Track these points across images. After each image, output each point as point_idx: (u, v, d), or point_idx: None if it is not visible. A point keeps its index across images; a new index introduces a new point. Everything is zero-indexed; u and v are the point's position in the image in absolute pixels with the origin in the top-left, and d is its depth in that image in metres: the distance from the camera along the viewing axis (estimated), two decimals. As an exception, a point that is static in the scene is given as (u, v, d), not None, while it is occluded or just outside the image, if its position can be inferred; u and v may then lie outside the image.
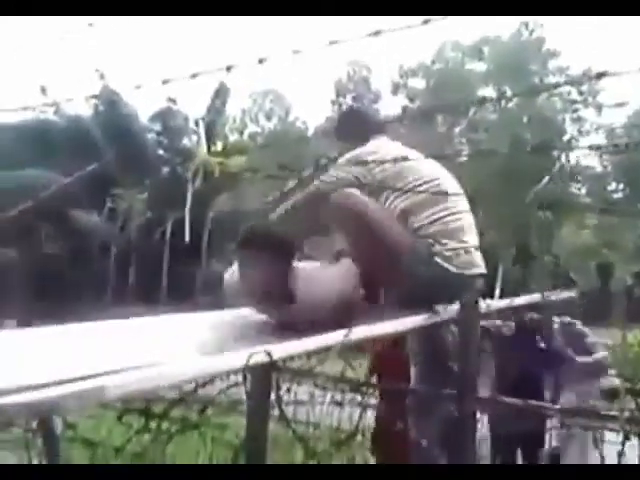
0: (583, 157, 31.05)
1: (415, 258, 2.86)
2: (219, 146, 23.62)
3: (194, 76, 1.74)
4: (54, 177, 18.38)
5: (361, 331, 2.36)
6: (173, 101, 27.18)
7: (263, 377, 3.31)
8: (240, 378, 3.47)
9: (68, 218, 21.49)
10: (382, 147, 3.18)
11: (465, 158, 25.80)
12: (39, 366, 1.74)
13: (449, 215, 3.00)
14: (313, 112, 35.04)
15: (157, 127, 27.78)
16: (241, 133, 32.48)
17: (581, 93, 29.40)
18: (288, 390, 3.62)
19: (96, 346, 2.18)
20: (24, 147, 23.86)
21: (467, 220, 3.07)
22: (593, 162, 32.12)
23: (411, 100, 31.25)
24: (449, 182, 3.10)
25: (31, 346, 2.18)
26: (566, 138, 29.27)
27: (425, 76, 31.53)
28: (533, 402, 2.96)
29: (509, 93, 29.20)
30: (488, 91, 29.71)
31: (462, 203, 3.09)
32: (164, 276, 22.39)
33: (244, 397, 3.54)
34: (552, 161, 27.50)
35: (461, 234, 2.98)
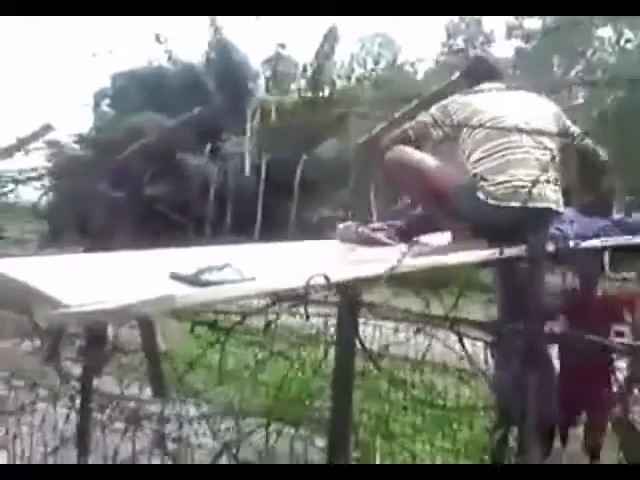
0: None
1: (459, 197, 2.99)
2: (327, 91, 23.65)
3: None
4: (165, 121, 19.07)
5: (427, 260, 2.51)
6: (282, 46, 27.32)
7: (348, 310, 3.49)
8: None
9: (175, 160, 22.20)
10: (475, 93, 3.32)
11: (581, 100, 24.87)
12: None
13: (502, 150, 3.07)
14: (422, 55, 34.33)
15: (267, 73, 28.04)
16: (348, 78, 32.28)
17: None
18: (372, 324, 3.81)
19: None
20: (140, 92, 24.70)
21: (526, 155, 3.09)
22: None
23: (526, 42, 30.14)
24: (518, 119, 3.16)
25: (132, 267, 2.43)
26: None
27: (542, 15, 30.30)
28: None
29: (628, 34, 27.73)
30: (606, 31, 28.30)
31: (527, 139, 3.12)
32: (259, 214, 22.52)
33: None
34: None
35: (512, 168, 3.03)
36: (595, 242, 3.55)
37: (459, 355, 3.58)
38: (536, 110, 3.38)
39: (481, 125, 3.15)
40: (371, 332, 3.94)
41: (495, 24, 32.58)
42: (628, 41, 28.31)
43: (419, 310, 3.60)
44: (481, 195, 3.00)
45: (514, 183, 3.00)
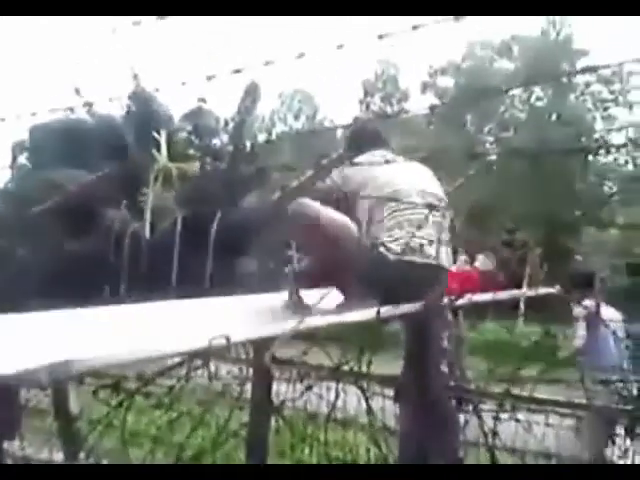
0: (616, 155, 30.38)
1: (361, 253, 3.10)
2: (248, 146, 23.80)
3: (236, 71, 1.97)
4: (84, 176, 18.84)
5: (316, 321, 2.57)
6: (203, 101, 27.40)
7: (263, 368, 3.51)
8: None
9: (95, 216, 21.91)
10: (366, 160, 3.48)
11: (494, 157, 25.76)
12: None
13: (399, 211, 3.22)
14: (341, 111, 35.06)
15: (188, 127, 28.04)
16: (269, 133, 32.63)
17: (612, 92, 29.14)
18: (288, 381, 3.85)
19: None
20: (58, 146, 24.33)
21: (420, 217, 3.23)
22: (626, 160, 31.32)
23: (440, 99, 31.17)
24: (407, 186, 3.34)
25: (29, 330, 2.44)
26: (596, 136, 28.93)
27: (454, 75, 31.47)
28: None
29: (538, 92, 29.02)
30: (517, 90, 29.54)
31: (421, 202, 3.27)
32: (174, 269, 22.17)
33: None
34: (582, 159, 27.22)
35: (410, 227, 3.17)
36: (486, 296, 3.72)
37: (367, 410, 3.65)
38: (424, 176, 3.57)
39: (377, 190, 3.32)
40: (284, 389, 3.98)
41: (410, 82, 33.64)
42: (539, 99, 29.57)
43: (330, 365, 3.66)
44: (382, 249, 3.12)
45: (414, 239, 3.13)
